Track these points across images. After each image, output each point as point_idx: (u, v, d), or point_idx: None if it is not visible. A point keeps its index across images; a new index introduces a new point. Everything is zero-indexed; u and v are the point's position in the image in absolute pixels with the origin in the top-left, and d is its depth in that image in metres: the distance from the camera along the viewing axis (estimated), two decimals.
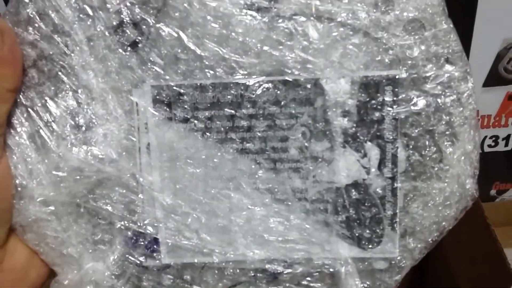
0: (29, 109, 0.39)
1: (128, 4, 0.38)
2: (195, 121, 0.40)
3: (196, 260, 0.43)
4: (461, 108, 0.40)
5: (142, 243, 0.42)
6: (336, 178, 0.41)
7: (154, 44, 0.39)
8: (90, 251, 0.43)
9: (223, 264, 0.43)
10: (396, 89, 0.39)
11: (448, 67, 0.39)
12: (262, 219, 0.42)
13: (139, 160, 0.41)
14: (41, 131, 0.39)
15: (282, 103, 0.40)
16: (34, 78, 0.39)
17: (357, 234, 0.42)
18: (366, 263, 0.43)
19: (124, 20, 0.39)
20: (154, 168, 0.41)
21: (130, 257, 0.43)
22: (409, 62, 0.39)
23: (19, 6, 0.39)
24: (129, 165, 0.40)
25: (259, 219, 0.42)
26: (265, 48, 0.39)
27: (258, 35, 0.38)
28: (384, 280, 0.44)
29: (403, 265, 0.43)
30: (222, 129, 0.40)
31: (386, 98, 0.39)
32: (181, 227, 0.42)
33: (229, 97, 0.40)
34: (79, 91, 0.39)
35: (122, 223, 0.42)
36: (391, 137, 0.40)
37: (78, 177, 0.40)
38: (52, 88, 0.39)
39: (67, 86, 0.39)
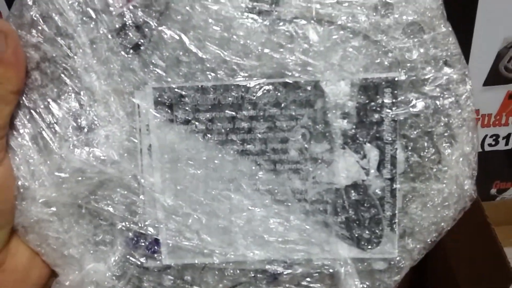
0: (32, 111, 0.40)
1: (131, 7, 0.39)
2: (196, 123, 0.40)
3: (196, 261, 0.43)
4: (460, 110, 0.40)
5: (143, 244, 0.43)
6: (335, 179, 0.41)
7: (156, 46, 0.39)
8: (91, 252, 0.43)
9: (224, 264, 0.43)
10: (395, 91, 0.40)
11: (446, 69, 0.40)
12: (262, 220, 0.42)
13: (140, 161, 0.41)
14: (43, 132, 0.40)
15: (283, 105, 0.40)
16: (37, 80, 0.40)
17: (356, 235, 0.42)
18: (366, 263, 0.43)
19: (127, 23, 0.39)
20: (155, 170, 0.41)
21: (131, 258, 0.43)
22: (408, 64, 0.39)
23: (22, 9, 0.39)
24: (131, 166, 0.41)
25: (259, 220, 0.42)
26: (266, 50, 0.39)
27: (259, 38, 0.39)
28: (383, 280, 0.44)
29: (402, 265, 0.44)
30: (223, 130, 0.40)
31: (385, 100, 0.40)
32: (182, 228, 0.42)
33: (230, 99, 0.40)
34: (82, 93, 0.40)
35: (123, 224, 0.42)
36: (390, 139, 0.40)
37: (80, 178, 0.40)
38: (55, 90, 0.40)
39: (70, 88, 0.40)
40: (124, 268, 0.43)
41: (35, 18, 0.39)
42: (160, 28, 0.39)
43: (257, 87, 0.40)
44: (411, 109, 0.40)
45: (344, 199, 0.42)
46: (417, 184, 0.42)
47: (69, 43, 0.39)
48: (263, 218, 0.42)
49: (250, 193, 0.42)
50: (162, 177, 0.41)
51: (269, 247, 0.43)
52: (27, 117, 0.40)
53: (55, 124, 0.40)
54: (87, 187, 0.41)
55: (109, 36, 0.39)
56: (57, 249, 0.42)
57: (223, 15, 0.38)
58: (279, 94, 0.40)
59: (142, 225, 0.42)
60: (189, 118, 0.40)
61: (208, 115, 0.40)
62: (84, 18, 0.39)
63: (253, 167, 0.41)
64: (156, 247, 0.43)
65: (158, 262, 0.43)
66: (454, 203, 0.42)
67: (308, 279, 0.44)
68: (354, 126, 0.40)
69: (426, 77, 0.39)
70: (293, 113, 0.40)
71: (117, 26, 0.39)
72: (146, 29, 0.39)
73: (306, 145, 0.41)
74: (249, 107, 0.40)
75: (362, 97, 0.40)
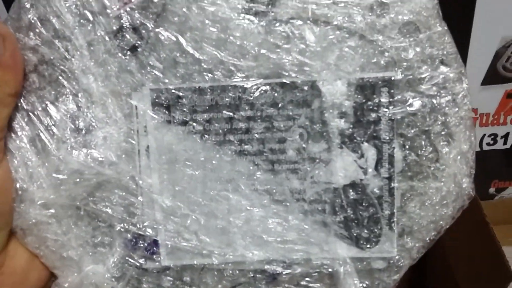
0: (30, 113, 0.40)
1: (127, 9, 0.39)
2: (194, 124, 0.40)
3: (195, 262, 0.43)
4: (457, 109, 0.40)
5: (141, 245, 0.43)
6: (333, 178, 0.41)
7: (153, 48, 0.39)
8: (90, 253, 0.43)
9: (223, 265, 0.43)
10: (392, 91, 0.40)
11: (443, 68, 0.40)
12: (261, 220, 0.42)
13: (138, 162, 0.41)
14: (41, 134, 0.40)
15: (280, 105, 0.40)
16: (35, 83, 0.40)
17: (355, 234, 0.42)
18: (365, 262, 0.43)
19: (124, 25, 0.39)
20: (153, 171, 0.41)
21: (130, 259, 0.43)
22: (405, 64, 0.39)
23: (20, 12, 0.39)
24: (129, 167, 0.41)
25: (257, 220, 0.42)
26: (263, 51, 0.39)
27: (256, 39, 0.39)
28: (382, 279, 0.44)
29: (401, 264, 0.44)
30: (221, 131, 0.41)
31: (382, 99, 0.40)
32: (181, 229, 0.42)
33: (227, 99, 0.40)
34: (79, 95, 0.40)
35: (122, 225, 0.42)
36: (388, 138, 0.40)
37: (78, 180, 0.40)
38: (53, 92, 0.40)
39: (68, 90, 0.40)
40: (123, 269, 0.43)
41: (32, 21, 0.39)
42: (157, 29, 0.39)
43: (254, 87, 0.40)
44: (408, 108, 0.40)
45: (342, 198, 0.42)
46: (415, 182, 0.42)
47: (67, 45, 0.39)
48: (261, 218, 0.42)
49: (248, 193, 0.42)
50: (160, 178, 0.41)
51: (268, 247, 0.43)
52: (25, 119, 0.40)
53: (53, 126, 0.40)
54: (85, 189, 0.41)
55: (106, 38, 0.39)
56: (55, 251, 0.42)
57: (220, 16, 0.38)
58: (276, 94, 0.40)
59: (141, 227, 0.42)
60: (187, 119, 0.40)
61: (205, 116, 0.40)
62: (81, 21, 0.39)
63: (251, 167, 0.41)
64: (155, 248, 0.43)
65: (157, 263, 0.43)
66: (452, 202, 0.42)
67: (307, 278, 0.44)
68: (351, 126, 0.40)
69: (423, 76, 0.40)
70: (291, 113, 0.40)
71: (114, 28, 0.39)
72: (143, 31, 0.39)
73: (303, 145, 0.41)
74: (247, 108, 0.40)
75: (359, 96, 0.40)
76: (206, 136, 0.41)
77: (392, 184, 0.41)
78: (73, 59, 0.39)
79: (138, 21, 0.39)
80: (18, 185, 0.40)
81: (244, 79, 0.40)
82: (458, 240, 0.72)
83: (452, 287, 0.77)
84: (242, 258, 0.43)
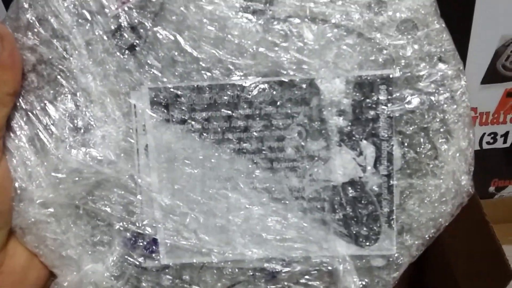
0: (29, 113, 0.40)
1: (125, 8, 0.39)
2: (193, 122, 0.40)
3: (194, 260, 0.43)
4: (455, 106, 0.40)
5: (141, 244, 0.43)
6: (332, 176, 0.41)
7: (151, 47, 0.39)
8: (89, 252, 0.43)
9: (222, 263, 0.43)
10: (390, 88, 0.40)
11: (441, 65, 0.40)
12: (260, 218, 0.42)
13: (137, 161, 0.41)
14: (40, 134, 0.40)
15: (278, 103, 0.40)
16: (33, 82, 0.40)
17: (354, 232, 0.42)
18: (364, 260, 0.43)
19: (122, 24, 0.39)
20: (152, 169, 0.41)
21: (129, 258, 0.43)
22: (403, 61, 0.39)
23: (19, 11, 0.39)
24: (128, 166, 0.41)
25: (257, 218, 0.42)
26: (261, 49, 0.39)
27: (254, 37, 0.39)
28: (382, 277, 0.44)
29: (400, 262, 0.44)
30: (219, 129, 0.41)
31: (381, 97, 0.40)
32: (180, 227, 0.42)
33: (225, 98, 0.40)
34: (78, 94, 0.40)
35: (121, 224, 0.42)
36: (386, 135, 0.40)
37: (77, 179, 0.40)
38: (51, 91, 0.40)
39: (66, 90, 0.40)
40: (122, 268, 0.43)
41: (31, 21, 0.39)
42: (155, 28, 0.39)
43: (253, 86, 0.40)
44: (406, 105, 0.40)
45: (341, 196, 0.42)
46: (414, 180, 0.42)
47: (65, 45, 0.39)
48: (260, 216, 0.42)
49: (247, 192, 0.42)
50: (159, 176, 0.41)
51: (267, 245, 0.43)
52: (24, 119, 0.40)
53: (51, 125, 0.40)
54: (84, 188, 0.41)
55: (105, 38, 0.39)
56: (55, 250, 0.42)
57: (218, 15, 0.38)
58: (274, 92, 0.40)
59: (140, 225, 0.42)
60: (185, 118, 0.40)
61: (204, 115, 0.40)
62: (79, 20, 0.39)
63: (250, 166, 0.41)
64: (154, 247, 0.43)
65: (156, 262, 0.43)
66: (451, 199, 0.42)
67: (306, 276, 0.44)
68: (350, 123, 0.40)
69: (421, 73, 0.40)
70: (289, 111, 0.40)
71: (112, 27, 0.39)
72: (141, 30, 0.39)
73: (302, 143, 0.41)
74: (245, 106, 0.40)
75: (357, 94, 0.40)
76: (204, 134, 0.41)
77: (391, 182, 0.41)
78: (71, 58, 0.39)
79: (136, 20, 0.39)
80: (17, 184, 0.40)
81: (242, 78, 0.40)
82: (458, 239, 0.72)
83: (452, 286, 0.78)
84: (241, 256, 0.43)
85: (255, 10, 0.39)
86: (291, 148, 0.41)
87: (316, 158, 0.41)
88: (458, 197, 0.42)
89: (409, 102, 0.40)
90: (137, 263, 0.43)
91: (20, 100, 0.40)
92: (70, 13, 0.39)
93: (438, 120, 0.41)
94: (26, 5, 0.39)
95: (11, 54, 0.37)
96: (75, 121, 0.40)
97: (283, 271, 0.43)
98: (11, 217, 0.40)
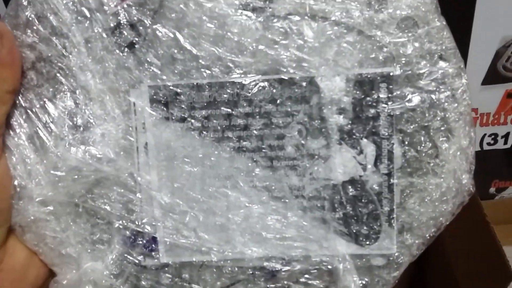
0: (28, 111, 0.40)
1: (125, 6, 0.39)
2: (192, 120, 0.40)
3: (194, 259, 0.43)
4: (456, 104, 0.40)
5: (140, 242, 0.43)
6: (332, 175, 0.41)
7: (151, 44, 0.39)
8: (89, 250, 0.43)
9: (221, 262, 0.43)
10: (391, 86, 0.40)
11: (442, 63, 0.40)
12: (260, 217, 0.42)
13: (137, 159, 0.41)
14: (39, 132, 0.40)
15: (278, 101, 0.40)
16: (32, 80, 0.40)
17: (354, 231, 0.42)
18: (364, 259, 0.43)
19: (121, 22, 0.39)
20: (152, 167, 0.41)
21: (128, 256, 0.43)
22: (403, 59, 0.39)
23: (18, 9, 0.39)
24: (127, 164, 0.41)
25: (256, 217, 0.42)
26: (261, 47, 0.39)
27: (254, 35, 0.39)
28: (382, 276, 0.44)
29: (401, 261, 0.43)
30: (219, 128, 0.40)
31: (381, 95, 0.40)
32: (179, 226, 0.42)
33: (225, 96, 0.40)
34: (77, 92, 0.40)
35: (120, 222, 0.42)
36: (387, 134, 0.40)
37: (76, 177, 0.40)
38: (51, 89, 0.40)
39: (65, 87, 0.40)
40: (121, 266, 0.43)
41: (30, 18, 0.39)
42: (154, 26, 0.39)
43: (253, 83, 0.40)
44: (407, 103, 0.40)
45: (341, 195, 0.42)
46: (415, 179, 0.42)
47: (64, 42, 0.39)
48: (260, 215, 0.42)
49: (247, 190, 0.42)
50: (159, 175, 0.41)
51: (267, 244, 0.43)
52: (23, 116, 0.40)
53: (51, 123, 0.40)
54: (84, 186, 0.41)
55: (104, 35, 0.39)
56: (54, 248, 0.42)
57: (217, 13, 0.38)
58: (274, 90, 0.40)
59: (139, 224, 0.42)
60: (185, 116, 0.40)
61: (203, 113, 0.40)
62: (78, 18, 0.39)
63: (250, 164, 0.41)
64: (153, 245, 0.43)
65: (156, 260, 0.43)
66: (452, 198, 0.42)
67: (306, 275, 0.44)
68: (350, 122, 0.40)
69: (422, 71, 0.39)
70: (289, 109, 0.40)
71: (111, 25, 0.39)
72: (141, 28, 0.39)
73: (302, 141, 0.41)
74: (245, 104, 0.40)
75: (357, 92, 0.40)
76: (204, 132, 0.41)
77: (392, 181, 0.41)
78: (70, 56, 0.39)
79: (135, 18, 0.39)
80: (16, 182, 0.40)
81: (242, 76, 0.39)
82: (458, 240, 0.72)
83: (452, 287, 0.77)
84: (241, 255, 0.43)
85: (254, 8, 0.39)
86: (291, 147, 0.41)
87: (316, 157, 0.41)
88: (459, 196, 0.42)
89: (409, 100, 0.40)
90: (137, 261, 0.43)
91: (19, 98, 0.40)
92: (69, 11, 0.39)
93: (439, 118, 0.40)
94: (25, 3, 0.39)
95: (10, 51, 0.37)
96: (75, 119, 0.40)
97: (283, 270, 0.43)
98: (11, 215, 0.40)
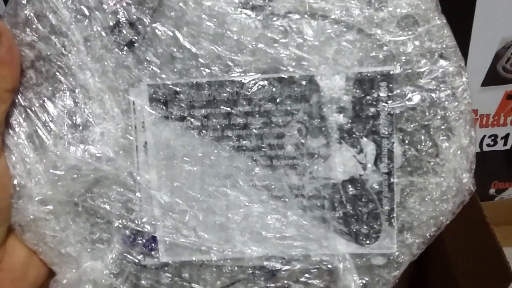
0: (27, 110, 0.40)
1: (124, 4, 0.39)
2: (192, 119, 0.40)
3: (194, 258, 0.43)
4: (456, 103, 0.40)
5: (140, 241, 0.42)
6: (332, 174, 0.41)
7: (150, 43, 0.39)
8: (89, 250, 0.43)
9: (221, 261, 0.43)
10: (391, 85, 0.39)
11: (442, 62, 0.39)
12: (260, 216, 0.42)
13: (136, 158, 0.41)
14: (39, 131, 0.40)
15: (278, 100, 0.40)
16: (32, 79, 0.40)
17: (354, 230, 0.42)
18: (364, 259, 0.43)
19: (121, 20, 0.39)
20: (151, 167, 0.41)
21: (128, 255, 0.43)
22: (403, 57, 0.39)
23: (17, 8, 0.39)
24: (127, 163, 0.41)
25: (256, 216, 0.42)
26: (260, 46, 0.39)
27: (253, 33, 0.39)
28: (382, 276, 0.44)
29: (401, 260, 0.43)
30: (218, 126, 0.40)
31: (381, 94, 0.40)
32: (179, 225, 0.42)
33: (225, 95, 0.40)
34: (77, 90, 0.40)
35: (120, 221, 0.42)
36: (387, 133, 0.40)
37: (75, 176, 0.40)
38: (50, 88, 0.40)
39: (65, 86, 0.40)
40: (121, 266, 0.43)
41: (29, 17, 0.39)
42: (153, 24, 0.39)
43: (252, 82, 0.40)
44: (407, 102, 0.40)
45: (341, 194, 0.42)
46: (415, 178, 0.42)
47: (63, 41, 0.39)
48: (260, 214, 0.42)
49: (247, 189, 0.42)
50: (158, 174, 0.41)
51: (266, 243, 0.42)
52: (23, 115, 0.40)
53: (50, 122, 0.40)
54: (83, 185, 0.41)
55: (103, 34, 0.39)
56: (54, 247, 0.42)
57: (217, 11, 0.38)
58: (274, 89, 0.40)
59: (139, 223, 0.42)
60: (184, 115, 0.40)
61: (203, 111, 0.40)
62: (77, 16, 0.39)
63: (249, 163, 0.41)
64: (153, 245, 0.43)
65: (156, 259, 0.43)
66: (452, 197, 0.42)
67: (306, 275, 0.44)
68: (350, 121, 0.40)
69: (422, 70, 0.39)
70: (289, 108, 0.40)
71: (110, 23, 0.39)
72: (140, 26, 0.39)
73: (302, 140, 0.41)
74: (244, 103, 0.40)
75: (357, 91, 0.40)
76: (204, 131, 0.40)
77: (392, 180, 0.41)
78: (70, 54, 0.39)
79: (134, 16, 0.39)
80: (16, 181, 0.40)
81: (241, 74, 0.39)
82: (458, 241, 0.73)
83: (452, 287, 0.77)
84: (241, 254, 0.43)
85: (254, 6, 0.38)
86: (290, 146, 0.41)
87: (316, 156, 0.41)
88: (459, 195, 0.42)
89: (409, 99, 0.40)
90: (136, 260, 0.43)
91: (18, 96, 0.40)
92: (68, 9, 0.39)
93: (439, 117, 0.40)
94: (24, 1, 0.39)
95: (9, 50, 0.37)
96: (74, 118, 0.40)
97: (282, 269, 0.43)
98: (10, 214, 0.40)
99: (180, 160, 0.41)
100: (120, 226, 0.42)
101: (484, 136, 1.03)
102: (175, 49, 0.39)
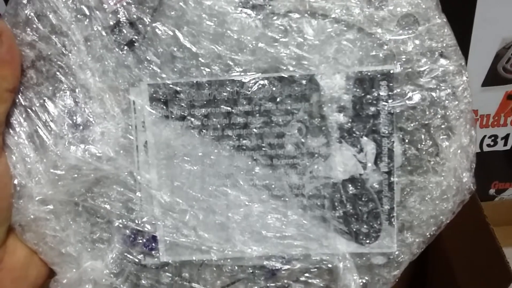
0: (28, 109, 0.40)
1: (124, 4, 0.39)
2: (192, 119, 0.40)
3: (194, 258, 0.43)
4: (456, 102, 0.40)
5: (140, 241, 0.42)
6: (332, 173, 0.41)
7: (150, 43, 0.39)
8: (89, 249, 0.43)
9: (221, 261, 0.43)
10: (391, 84, 0.39)
11: (442, 61, 0.39)
12: (260, 216, 0.42)
13: (136, 158, 0.41)
14: (39, 130, 0.40)
15: (278, 99, 0.40)
16: (32, 79, 0.40)
17: (354, 229, 0.42)
18: (364, 258, 0.43)
19: (121, 20, 0.39)
20: (152, 166, 0.41)
21: (128, 255, 0.43)
22: (404, 57, 0.39)
23: (17, 7, 0.39)
24: (127, 163, 0.41)
25: (256, 216, 0.42)
26: (260, 45, 0.39)
27: (253, 33, 0.39)
28: (382, 275, 0.44)
29: (401, 260, 0.43)
30: (219, 126, 0.40)
31: (381, 93, 0.40)
32: (179, 224, 0.42)
33: (225, 94, 0.40)
34: (77, 90, 0.40)
35: (120, 221, 0.42)
36: (387, 132, 0.40)
37: (76, 176, 0.40)
38: (50, 88, 0.40)
39: (65, 86, 0.40)
40: (121, 265, 0.43)
41: (29, 17, 0.39)
42: (154, 24, 0.39)
43: (252, 82, 0.40)
44: (407, 101, 0.40)
45: (341, 193, 0.42)
46: (415, 177, 0.42)
47: (64, 41, 0.39)
48: (260, 213, 0.42)
49: (247, 189, 0.42)
50: (159, 173, 0.41)
51: (267, 242, 0.42)
52: (23, 115, 0.40)
53: (50, 122, 0.40)
54: (83, 184, 0.41)
55: (103, 33, 0.39)
56: (54, 247, 0.42)
57: (217, 10, 0.38)
58: (274, 88, 0.40)
59: (139, 222, 0.42)
60: (185, 114, 0.40)
61: (203, 111, 0.40)
62: (78, 16, 0.39)
63: (250, 163, 0.41)
64: (153, 244, 0.43)
65: (156, 259, 0.43)
66: (452, 196, 0.42)
67: (306, 274, 0.44)
68: (350, 120, 0.40)
69: (422, 69, 0.39)
70: (289, 108, 0.40)
71: (111, 23, 0.39)
72: (140, 26, 0.39)
73: (302, 140, 0.41)
74: (245, 102, 0.40)
75: (357, 90, 0.40)
76: (204, 131, 0.41)
77: (392, 179, 0.41)
78: (70, 54, 0.39)
79: (134, 16, 0.39)
80: (16, 181, 0.40)
81: (242, 74, 0.39)
82: (458, 241, 0.72)
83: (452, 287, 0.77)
84: (241, 254, 0.43)
85: (254, 5, 0.39)
86: (291, 145, 0.41)
87: (316, 155, 0.41)
88: (459, 194, 0.42)
89: (410, 98, 0.40)
90: (137, 260, 0.43)
91: (19, 96, 0.40)
92: (68, 9, 0.39)
93: (439, 116, 0.40)
94: (24, 1, 0.39)
95: (10, 49, 0.37)
96: (74, 118, 0.40)
97: (283, 268, 0.43)
98: (11, 214, 0.40)
99: (180, 159, 0.41)
100: (121, 225, 0.42)
101: (485, 136, 1.03)
102: (175, 49, 0.39)
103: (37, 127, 0.40)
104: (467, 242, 0.73)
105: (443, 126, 0.41)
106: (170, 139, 0.41)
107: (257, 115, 0.40)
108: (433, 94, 0.40)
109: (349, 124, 0.40)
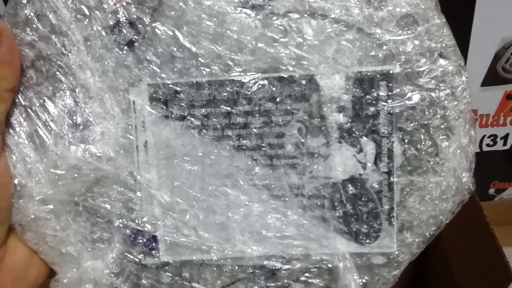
0: (28, 109, 0.40)
1: (124, 3, 0.39)
2: (192, 119, 0.40)
3: (194, 258, 0.43)
4: (456, 102, 0.40)
5: (140, 241, 0.42)
6: (332, 173, 0.41)
7: (150, 43, 0.39)
8: (89, 249, 0.43)
9: (222, 261, 0.43)
10: (391, 84, 0.40)
11: (441, 61, 0.39)
12: (260, 216, 0.42)
13: (136, 158, 0.41)
14: (39, 130, 0.40)
15: (278, 99, 0.40)
16: (32, 79, 0.40)
17: (354, 229, 0.42)
18: (364, 258, 0.43)
19: (120, 20, 0.39)
20: (152, 166, 0.41)
21: (128, 255, 0.43)
22: (403, 57, 0.39)
23: (17, 7, 0.39)
24: (127, 163, 0.41)
25: (256, 216, 0.42)
26: (260, 45, 0.39)
27: (253, 33, 0.39)
28: (382, 275, 0.44)
29: (401, 259, 0.43)
30: (219, 126, 0.40)
31: (381, 93, 0.40)
32: (179, 224, 0.42)
33: (225, 94, 0.40)
34: (77, 90, 0.40)
35: (121, 221, 0.42)
36: (387, 132, 0.40)
37: (76, 175, 0.40)
38: (50, 88, 0.40)
39: (65, 86, 0.40)
40: (122, 265, 0.43)
41: (29, 17, 0.39)
42: (153, 24, 0.39)
43: (252, 82, 0.40)
44: (406, 101, 0.40)
45: (341, 193, 0.42)
46: (415, 177, 0.42)
47: (64, 40, 0.39)
48: (260, 213, 0.42)
49: (247, 189, 0.42)
50: (159, 173, 0.41)
51: (267, 242, 0.43)
52: (23, 115, 0.40)
53: (50, 122, 0.40)
54: (84, 184, 0.41)
55: (103, 33, 0.39)
56: (54, 247, 0.42)
57: (216, 10, 0.38)
58: (274, 88, 0.40)
59: (139, 222, 0.42)
60: (185, 114, 0.40)
61: (203, 111, 0.40)
62: (78, 16, 0.39)
63: (250, 163, 0.41)
64: (153, 244, 0.43)
65: (156, 259, 0.43)
66: (452, 196, 0.42)
67: (306, 274, 0.44)
68: (350, 120, 0.40)
69: (421, 69, 0.39)
70: (289, 108, 0.40)
71: (110, 23, 0.39)
72: (140, 26, 0.39)
73: (302, 140, 0.41)
74: (244, 102, 0.40)
75: (357, 90, 0.40)
76: (204, 131, 0.41)
77: (392, 179, 0.41)
78: (70, 54, 0.39)
79: (134, 16, 0.39)
80: (16, 181, 0.40)
81: (241, 74, 0.39)
82: (458, 241, 0.72)
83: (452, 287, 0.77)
84: (241, 253, 0.43)
85: (254, 5, 0.39)
86: (290, 145, 0.41)
87: (316, 155, 0.41)
88: (459, 194, 0.42)
89: (409, 98, 0.40)
90: (137, 260, 0.43)
91: (19, 96, 0.40)
92: (68, 9, 0.39)
93: (438, 116, 0.40)
94: (24, 1, 0.39)
95: (9, 49, 0.37)
96: (74, 118, 0.40)
97: (283, 268, 0.43)
98: (11, 213, 0.40)
99: (180, 159, 0.41)
100: (121, 225, 0.42)
101: (484, 136, 1.03)
102: (175, 49, 0.39)
103: (37, 127, 0.40)
104: (467, 242, 0.73)
105: (442, 126, 0.41)
106: (170, 139, 0.41)
107: (257, 115, 0.40)
108: (433, 94, 0.40)
109: (349, 124, 0.40)
